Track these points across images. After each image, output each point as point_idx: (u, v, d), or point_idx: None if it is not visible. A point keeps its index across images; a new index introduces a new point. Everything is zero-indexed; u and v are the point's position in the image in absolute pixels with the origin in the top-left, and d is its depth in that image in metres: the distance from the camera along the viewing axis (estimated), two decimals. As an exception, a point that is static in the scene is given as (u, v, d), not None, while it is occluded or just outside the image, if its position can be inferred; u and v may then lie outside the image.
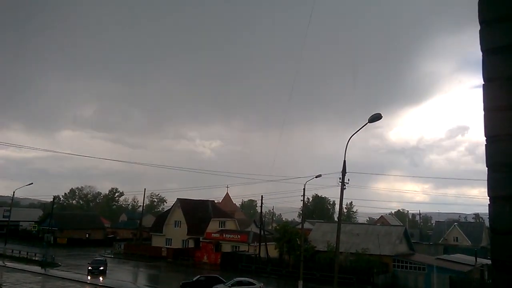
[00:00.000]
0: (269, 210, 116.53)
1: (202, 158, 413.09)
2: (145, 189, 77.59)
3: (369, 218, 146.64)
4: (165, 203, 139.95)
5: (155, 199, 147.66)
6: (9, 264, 49.86)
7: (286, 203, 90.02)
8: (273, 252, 55.54)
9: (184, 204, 70.64)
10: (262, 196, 56.79)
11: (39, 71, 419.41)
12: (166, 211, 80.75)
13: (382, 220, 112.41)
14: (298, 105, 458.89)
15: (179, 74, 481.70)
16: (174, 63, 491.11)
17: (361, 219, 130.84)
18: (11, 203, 72.10)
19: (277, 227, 58.95)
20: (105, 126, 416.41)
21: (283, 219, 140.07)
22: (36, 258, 54.72)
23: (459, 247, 69.82)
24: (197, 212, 69.76)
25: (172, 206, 73.49)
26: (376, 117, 19.61)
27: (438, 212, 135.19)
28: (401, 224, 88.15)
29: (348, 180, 21.88)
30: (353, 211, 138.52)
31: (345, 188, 21.81)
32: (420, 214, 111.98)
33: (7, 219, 72.26)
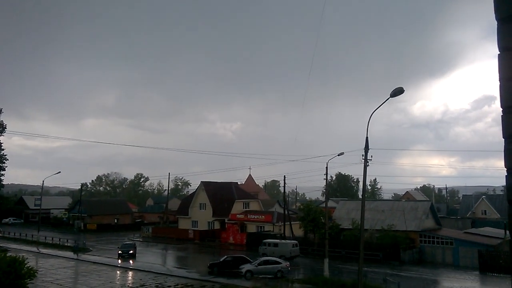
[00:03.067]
0: (292, 190, 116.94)
1: (224, 140, 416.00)
2: (169, 173, 78.96)
3: (394, 194, 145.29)
4: (189, 186, 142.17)
5: (180, 183, 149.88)
6: (43, 250, 51.76)
7: (309, 182, 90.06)
8: (298, 231, 55.84)
9: (208, 187, 71.47)
10: (284, 176, 56.80)
11: (63, 61, 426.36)
12: (190, 194, 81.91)
13: (408, 196, 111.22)
14: (318, 83, 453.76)
15: (198, 57, 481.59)
16: (192, 46, 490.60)
17: (386, 196, 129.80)
18: (41, 191, 74.33)
19: (301, 207, 59.09)
20: (128, 112, 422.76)
21: (307, 198, 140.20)
22: (68, 244, 56.61)
23: (488, 220, 68.60)
24: (221, 194, 70.53)
25: (196, 189, 74.44)
26: (398, 91, 19.13)
27: (465, 186, 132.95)
28: (427, 199, 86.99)
29: (371, 156, 21.59)
30: (377, 188, 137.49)
31: (368, 165, 21.52)
32: (446, 188, 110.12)
33: (39, 207, 74.71)
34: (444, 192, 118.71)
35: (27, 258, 27.59)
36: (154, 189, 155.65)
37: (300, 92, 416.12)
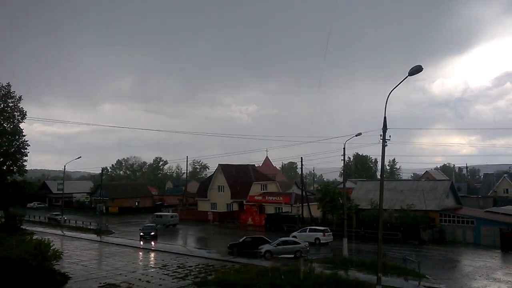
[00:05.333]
0: (310, 172, 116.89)
1: (240, 123, 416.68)
2: (187, 156, 79.88)
3: (413, 174, 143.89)
4: (207, 169, 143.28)
5: (198, 166, 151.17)
6: (67, 233, 53.27)
7: (326, 164, 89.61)
8: (316, 212, 56.00)
9: (226, 169, 72.00)
10: (301, 157, 56.73)
11: (79, 47, 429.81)
12: (209, 177, 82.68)
13: (427, 176, 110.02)
14: (334, 63, 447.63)
15: (213, 41, 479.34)
16: (207, 30, 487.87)
17: (405, 176, 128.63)
18: (63, 176, 76.05)
19: (319, 188, 59.08)
20: (143, 97, 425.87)
21: (324, 179, 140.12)
22: (91, 227, 58.09)
23: (510, 199, 67.48)
24: (238, 177, 71.02)
25: (214, 171, 75.11)
26: (416, 70, 18.71)
27: (486, 164, 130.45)
28: (447, 178, 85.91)
29: (390, 136, 21.26)
30: (396, 168, 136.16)
31: (386, 145, 21.25)
32: (467, 167, 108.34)
33: (61, 192, 76.57)
34: (464, 171, 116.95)
35: (52, 241, 28.50)
36: (173, 173, 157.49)
37: (316, 73, 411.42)
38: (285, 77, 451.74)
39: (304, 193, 56.60)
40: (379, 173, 30.96)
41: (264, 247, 35.05)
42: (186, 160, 79.00)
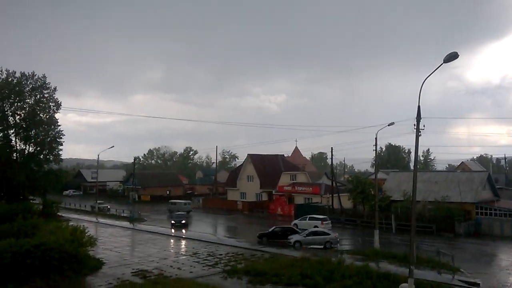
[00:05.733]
0: (340, 162, 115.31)
1: (269, 113, 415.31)
2: (216, 146, 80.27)
3: (448, 165, 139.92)
4: (236, 159, 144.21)
5: (227, 156, 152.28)
6: (101, 220, 54.87)
7: (357, 154, 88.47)
8: (347, 203, 55.38)
9: (255, 159, 72.15)
10: (332, 148, 56.11)
11: (111, 39, 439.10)
12: (238, 166, 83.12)
13: (463, 167, 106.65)
14: (364, 52, 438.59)
15: (241, 30, 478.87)
16: (236, 19, 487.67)
17: (439, 167, 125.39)
18: (97, 165, 78.19)
19: (350, 178, 58.35)
20: (173, 87, 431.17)
21: (355, 170, 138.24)
22: (124, 214, 59.63)
23: (551, 191, 64.52)
24: (268, 167, 71.04)
25: (244, 161, 75.40)
26: (452, 56, 17.96)
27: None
28: (484, 169, 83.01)
29: (424, 126, 20.56)
30: (430, 158, 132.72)
31: (420, 135, 20.58)
32: (505, 158, 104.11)
33: (95, 180, 78.83)
34: (502, 162, 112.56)
35: (87, 228, 29.34)
36: (202, 162, 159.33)
37: (347, 61, 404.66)
38: (315, 66, 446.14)
39: (334, 184, 56.01)
40: (413, 164, 30.17)
41: (294, 237, 34.98)
42: (215, 149, 79.74)
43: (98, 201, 68.67)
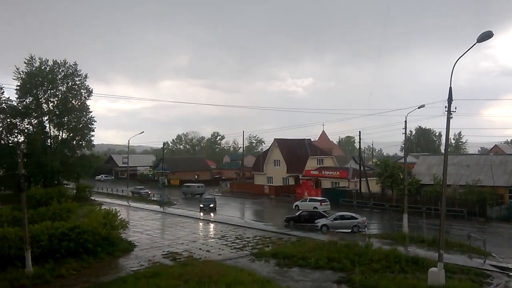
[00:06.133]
0: (368, 146, 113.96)
1: (295, 97, 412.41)
2: (243, 131, 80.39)
3: (480, 148, 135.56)
4: (263, 144, 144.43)
5: (254, 141, 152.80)
6: (132, 204, 56.38)
7: (386, 137, 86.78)
8: (375, 187, 54.79)
9: (282, 144, 72.14)
10: (359, 131, 55.34)
11: (139, 25, 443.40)
12: (265, 151, 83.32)
13: (496, 150, 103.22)
14: (394, 33, 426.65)
15: (267, 14, 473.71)
16: (261, 3, 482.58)
17: (471, 150, 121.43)
18: (128, 150, 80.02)
19: (378, 162, 57.57)
20: (201, 73, 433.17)
21: (384, 154, 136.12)
22: (154, 198, 61.04)
23: None
24: (294, 151, 70.92)
25: (270, 146, 75.53)
26: (486, 36, 17.28)
27: None
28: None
29: (455, 108, 19.98)
30: (462, 141, 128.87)
31: (451, 117, 20.02)
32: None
33: (126, 165, 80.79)
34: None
35: (119, 211, 30.26)
36: (230, 147, 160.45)
37: (375, 43, 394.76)
38: (343, 48, 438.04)
39: (362, 168, 55.46)
40: (443, 147, 29.48)
41: (321, 221, 35.02)
42: (242, 134, 79.99)
43: (138, 186, 70.09)
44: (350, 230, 33.62)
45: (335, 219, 34.91)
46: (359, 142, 56.87)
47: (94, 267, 22.55)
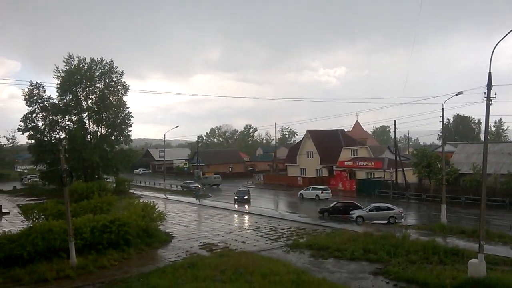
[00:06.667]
0: (404, 135, 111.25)
1: (327, 87, 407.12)
2: (275, 123, 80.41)
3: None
4: (295, 135, 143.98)
5: (286, 132, 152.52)
6: (169, 196, 57.73)
7: (423, 126, 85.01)
8: (411, 178, 53.60)
9: (314, 135, 71.68)
10: (395, 120, 54.13)
11: (171, 22, 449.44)
12: (297, 143, 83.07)
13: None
14: (429, 18, 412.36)
15: (297, 4, 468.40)
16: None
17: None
18: (164, 144, 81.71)
19: (414, 152, 56.25)
20: (232, 66, 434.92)
21: (421, 143, 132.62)
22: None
23: None
24: (327, 142, 70.32)
25: (303, 137, 75.20)
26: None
27: None
28: None
29: (495, 94, 19.24)
30: (503, 129, 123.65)
31: (491, 103, 19.31)
32: None
33: (163, 159, 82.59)
34: None
35: (157, 204, 31.11)
36: (262, 139, 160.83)
37: (409, 30, 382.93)
38: (376, 35, 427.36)
39: (397, 158, 54.36)
40: (483, 135, 28.48)
41: (356, 212, 34.72)
42: (274, 126, 80.00)
43: (188, 181, 70.50)
44: (386, 221, 33.16)
45: (370, 210, 34.51)
46: (395, 132, 55.69)
47: (134, 258, 23.35)
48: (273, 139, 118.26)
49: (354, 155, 68.83)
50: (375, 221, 33.17)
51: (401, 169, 53.18)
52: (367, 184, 55.38)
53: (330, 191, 52.25)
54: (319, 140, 70.84)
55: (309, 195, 51.80)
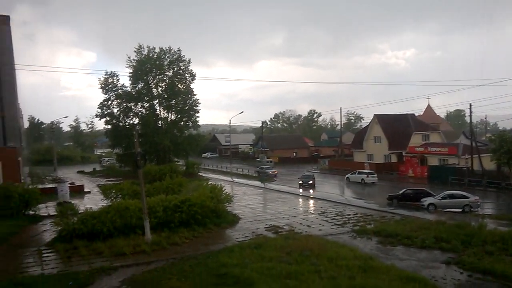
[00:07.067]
0: (481, 119, 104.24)
1: (396, 70, 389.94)
2: (340, 108, 78.94)
3: None
4: (362, 120, 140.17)
5: (352, 117, 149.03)
6: (236, 180, 59.07)
7: (501, 110, 78.60)
8: (489, 164, 50.17)
9: (382, 120, 69.37)
10: (470, 104, 50.83)
11: (234, 9, 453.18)
12: (364, 127, 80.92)
13: None
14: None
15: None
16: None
17: None
18: (229, 130, 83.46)
19: (492, 137, 52.47)
20: (295, 51, 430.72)
21: (499, 128, 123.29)
22: (255, 175, 63.16)
23: None
24: (396, 127, 67.74)
25: (370, 122, 73.09)
26: None
27: None
28: None
29: None
30: None
31: None
32: None
33: (229, 143, 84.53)
34: None
35: (224, 186, 32.00)
36: (327, 124, 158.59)
37: (485, 7, 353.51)
38: (448, 14, 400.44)
39: (473, 144, 51.05)
40: None
41: (427, 200, 33.29)
42: (339, 111, 78.39)
43: (264, 166, 68.60)
44: (460, 210, 31.49)
45: (443, 198, 32.90)
46: (470, 116, 52.31)
47: (204, 236, 24.29)
48: (338, 124, 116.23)
49: (425, 140, 65.71)
50: (448, 210, 31.61)
51: (477, 155, 49.95)
52: (440, 170, 52.72)
53: (376, 175, 53.93)
54: (387, 125, 68.44)
55: (355, 178, 54.51)
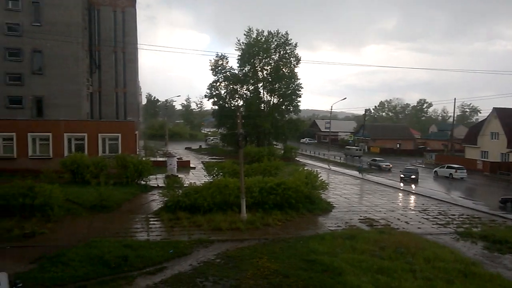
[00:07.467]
0: None
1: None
2: (455, 98, 72.86)
3: None
4: (478, 113, 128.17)
5: (467, 109, 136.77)
6: (332, 167, 58.40)
7: None
8: None
9: (503, 114, 62.65)
10: None
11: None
12: (480, 122, 73.96)
13: None
14: None
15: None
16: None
17: None
18: (330, 116, 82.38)
19: None
20: (409, 36, 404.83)
21: None
22: (353, 164, 61.71)
23: None
24: (520, 123, 60.65)
25: (488, 116, 66.51)
26: None
27: None
28: None
29: None
30: None
31: None
32: None
33: (328, 130, 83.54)
34: None
35: (320, 173, 31.92)
36: (438, 116, 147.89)
37: None
38: None
39: None
40: None
41: (549, 207, 29.61)
42: (453, 102, 72.44)
43: (378, 158, 64.14)
44: None
45: None
46: None
47: (296, 221, 24.66)
48: (450, 116, 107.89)
49: (554, 140, 57.92)
50: None
51: None
52: None
53: (465, 171, 51.62)
54: (508, 120, 61.58)
55: (443, 173, 53.11)
